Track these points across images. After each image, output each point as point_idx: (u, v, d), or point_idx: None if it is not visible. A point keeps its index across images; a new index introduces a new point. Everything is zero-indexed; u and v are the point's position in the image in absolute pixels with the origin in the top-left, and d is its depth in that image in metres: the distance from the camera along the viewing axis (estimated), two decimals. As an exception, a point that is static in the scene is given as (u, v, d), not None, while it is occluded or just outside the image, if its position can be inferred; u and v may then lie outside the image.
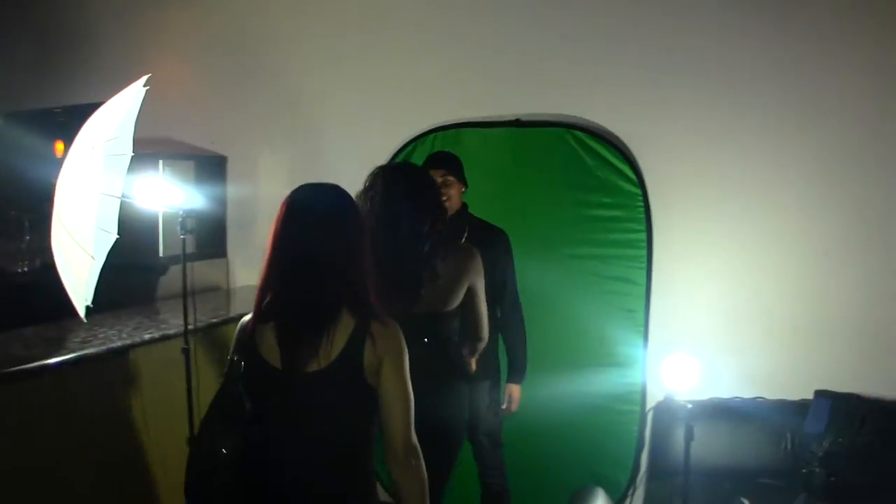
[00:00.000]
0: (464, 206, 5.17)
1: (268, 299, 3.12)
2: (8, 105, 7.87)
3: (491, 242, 5.03)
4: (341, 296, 3.04)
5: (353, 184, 6.11)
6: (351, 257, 3.08)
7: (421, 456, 3.08)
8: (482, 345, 4.56)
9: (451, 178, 5.05)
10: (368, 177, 4.34)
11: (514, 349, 5.31)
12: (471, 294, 4.33)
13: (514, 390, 5.31)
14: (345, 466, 3.11)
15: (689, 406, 4.73)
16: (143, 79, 4.16)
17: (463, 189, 5.14)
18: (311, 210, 3.15)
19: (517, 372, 5.31)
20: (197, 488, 3.21)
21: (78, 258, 3.90)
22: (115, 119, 4.02)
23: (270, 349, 3.02)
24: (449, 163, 5.13)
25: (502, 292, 5.16)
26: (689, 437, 4.72)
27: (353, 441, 3.11)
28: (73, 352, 4.37)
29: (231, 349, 3.24)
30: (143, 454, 4.78)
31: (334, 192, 3.24)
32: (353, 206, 3.23)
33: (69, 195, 4.01)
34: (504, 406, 5.28)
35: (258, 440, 3.11)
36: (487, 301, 4.48)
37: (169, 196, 4.58)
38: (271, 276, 3.11)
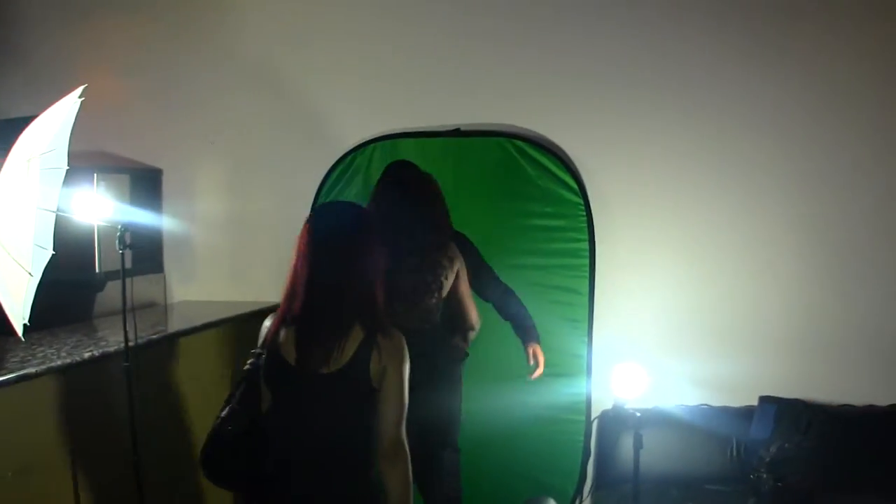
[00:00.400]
0: None
1: (291, 305, 3.53)
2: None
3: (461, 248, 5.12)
4: (354, 311, 3.46)
5: (297, 192, 6.06)
6: (365, 276, 3.49)
7: (408, 454, 3.46)
8: (474, 334, 5.06)
9: None
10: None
11: (520, 317, 5.39)
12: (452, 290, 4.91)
13: (538, 349, 5.34)
14: (345, 460, 3.49)
15: (638, 414, 4.72)
16: (79, 89, 4.05)
17: None
18: (332, 232, 3.54)
19: (532, 332, 5.37)
20: (211, 459, 3.60)
21: (15, 275, 3.79)
22: (51, 131, 3.92)
23: (289, 349, 3.48)
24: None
25: (487, 288, 5.31)
26: (638, 446, 4.74)
27: (353, 437, 3.48)
28: (12, 371, 4.24)
29: (259, 343, 3.67)
30: (84, 475, 4.65)
31: (353, 213, 3.75)
32: (370, 228, 3.62)
33: (5, 210, 3.91)
34: (532, 364, 5.31)
35: (268, 426, 3.56)
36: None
37: (104, 210, 4.47)
38: (295, 287, 3.51)
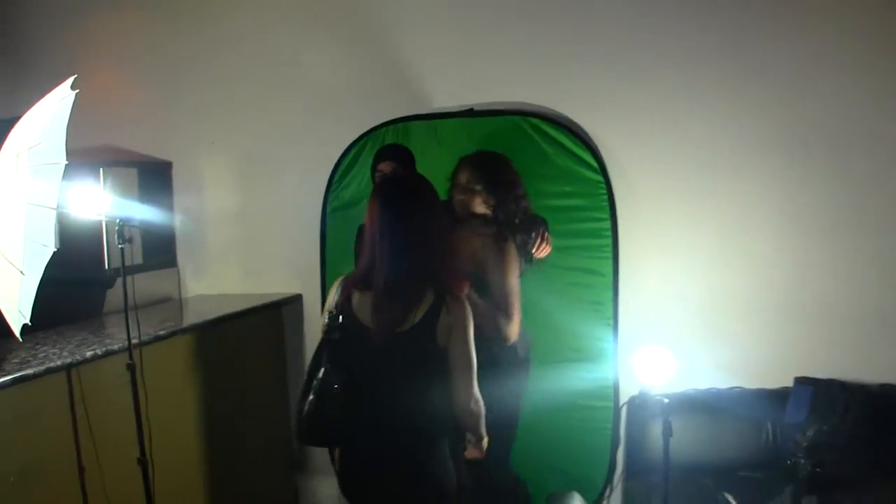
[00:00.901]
0: None
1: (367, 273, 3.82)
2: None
3: None
4: (427, 277, 3.78)
5: (308, 181, 5.90)
6: (434, 245, 3.84)
7: (482, 407, 3.86)
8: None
9: (399, 171, 5.10)
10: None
11: None
12: None
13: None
14: (417, 408, 3.79)
15: (666, 401, 4.53)
16: (69, 80, 3.87)
17: None
18: (402, 204, 3.86)
19: None
20: (309, 422, 3.81)
21: (7, 274, 3.64)
22: (40, 124, 3.76)
23: (363, 310, 3.80)
24: (398, 156, 5.23)
25: None
26: (667, 434, 4.53)
27: (423, 388, 3.79)
28: (10, 373, 4.10)
29: (329, 303, 3.95)
30: (90, 479, 4.51)
31: (420, 185, 4.01)
32: (435, 201, 3.97)
33: None
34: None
35: (340, 382, 3.78)
36: None
37: (104, 205, 4.30)
38: (371, 258, 3.80)
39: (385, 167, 5.17)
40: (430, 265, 3.80)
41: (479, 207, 4.99)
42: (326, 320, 3.88)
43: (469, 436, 4.04)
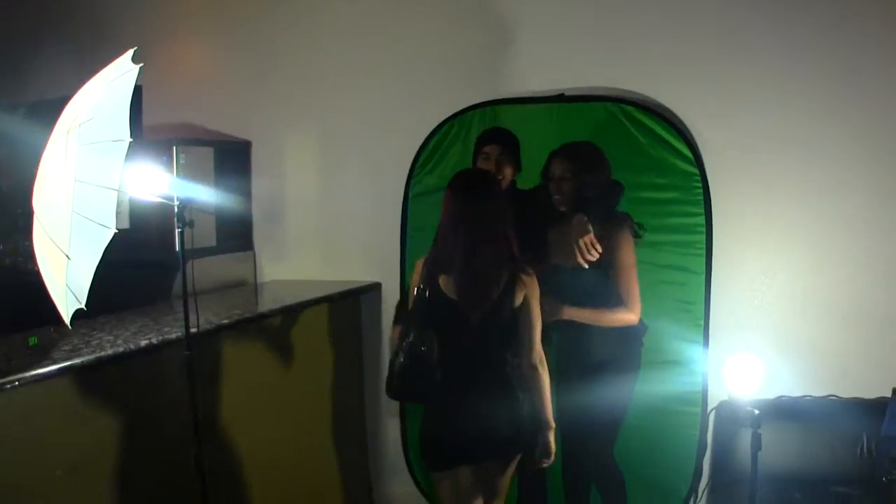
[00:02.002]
0: (512, 183, 5.29)
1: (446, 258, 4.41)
2: (33, 94, 7.47)
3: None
4: (499, 261, 4.36)
5: (391, 164, 5.71)
6: (502, 235, 4.38)
7: (545, 364, 4.47)
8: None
9: (506, 156, 5.16)
10: None
11: None
12: None
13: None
14: (495, 369, 4.47)
15: (756, 412, 4.29)
16: (129, 53, 3.68)
17: (517, 172, 5.26)
18: (476, 195, 4.42)
19: None
20: (400, 378, 4.41)
21: (55, 258, 3.49)
22: (92, 99, 3.58)
23: (448, 286, 4.38)
24: (507, 141, 5.25)
25: None
26: (756, 447, 4.35)
27: (500, 353, 4.47)
28: (57, 362, 3.92)
29: (414, 280, 4.53)
30: (139, 475, 4.35)
31: (488, 179, 4.66)
32: (501, 196, 4.56)
33: (44, 188, 3.60)
34: None
35: (428, 346, 4.36)
36: None
37: (169, 185, 4.12)
38: (451, 246, 4.36)
39: (491, 150, 5.15)
40: (502, 253, 4.37)
41: (574, 198, 4.90)
42: (415, 294, 4.47)
43: (540, 443, 4.51)
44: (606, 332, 4.86)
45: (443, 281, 4.41)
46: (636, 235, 4.92)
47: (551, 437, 4.49)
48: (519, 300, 4.35)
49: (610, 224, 4.80)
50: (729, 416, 5.42)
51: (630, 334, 4.94)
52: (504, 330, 4.41)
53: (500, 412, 4.43)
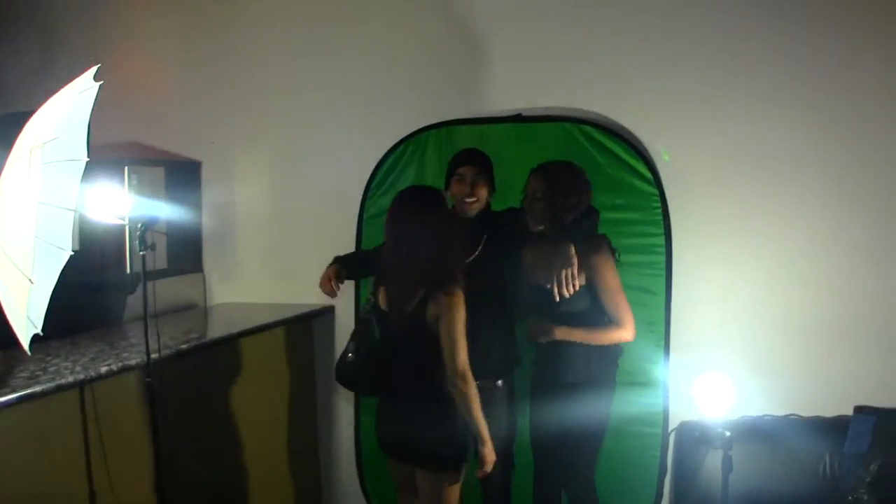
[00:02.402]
0: (487, 205, 5.15)
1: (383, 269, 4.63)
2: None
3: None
4: (420, 276, 4.35)
5: (345, 185, 5.67)
6: (426, 248, 4.35)
7: (469, 379, 4.32)
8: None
9: (481, 178, 5.03)
10: None
11: None
12: None
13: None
14: (419, 382, 4.52)
15: (727, 434, 4.26)
16: (92, 70, 3.60)
17: (492, 193, 5.11)
18: (406, 212, 4.46)
19: None
20: (342, 380, 4.85)
21: (16, 282, 3.40)
22: (56, 118, 3.50)
23: (382, 299, 4.56)
24: (481, 162, 5.10)
25: None
26: (727, 468, 4.40)
27: (421, 359, 4.44)
28: (17, 390, 3.83)
29: (369, 290, 4.77)
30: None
31: (428, 195, 4.58)
32: (437, 210, 4.48)
33: (5, 209, 3.52)
34: None
35: (356, 352, 4.70)
36: None
37: (130, 207, 4.04)
38: (384, 253, 4.54)
39: (465, 171, 5.00)
40: (422, 265, 4.34)
41: (552, 217, 4.84)
42: (365, 306, 4.76)
43: (480, 449, 4.48)
44: (584, 351, 4.80)
45: (381, 292, 4.59)
46: (616, 257, 4.90)
47: (486, 450, 4.44)
48: (431, 316, 4.31)
49: (589, 246, 4.75)
50: (698, 437, 5.41)
51: (606, 354, 4.89)
52: (425, 344, 4.37)
53: (427, 424, 4.51)
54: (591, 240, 4.82)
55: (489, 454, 4.44)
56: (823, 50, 5.44)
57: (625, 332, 4.79)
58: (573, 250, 4.61)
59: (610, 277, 4.76)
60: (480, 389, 4.46)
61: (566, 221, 4.77)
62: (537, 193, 4.79)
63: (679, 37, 5.67)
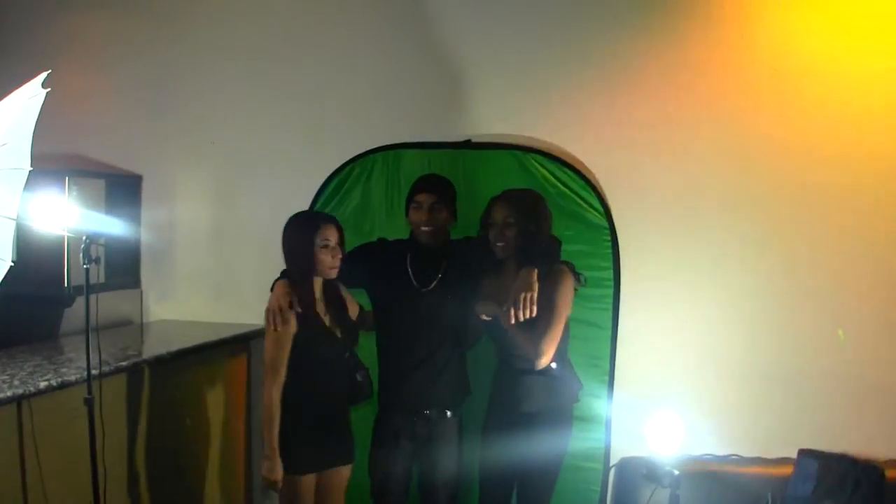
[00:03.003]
0: (446, 233, 5.03)
1: None
2: None
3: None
4: None
5: (288, 205, 5.61)
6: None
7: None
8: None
9: (439, 206, 4.87)
10: None
11: None
12: None
13: None
14: None
15: (676, 473, 4.22)
16: (42, 76, 3.50)
17: (452, 222, 4.99)
18: None
19: None
20: None
21: None
22: (3, 124, 3.38)
23: None
24: (442, 189, 4.98)
25: None
26: None
27: None
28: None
29: None
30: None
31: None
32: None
33: None
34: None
35: None
36: None
37: (71, 218, 3.94)
38: None
39: (423, 198, 4.86)
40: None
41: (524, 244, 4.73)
42: None
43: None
44: (545, 381, 4.71)
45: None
46: (578, 284, 4.81)
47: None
48: None
49: (553, 270, 4.67)
50: (645, 474, 5.28)
51: (567, 387, 4.82)
52: None
53: None
54: (555, 265, 4.74)
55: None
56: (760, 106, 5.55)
57: (541, 352, 4.57)
58: (535, 275, 4.53)
59: (565, 296, 4.65)
60: (430, 420, 4.56)
61: (535, 248, 4.69)
62: (509, 220, 4.68)
63: (637, 73, 5.69)
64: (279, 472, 4.50)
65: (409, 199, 4.97)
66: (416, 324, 4.86)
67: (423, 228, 4.83)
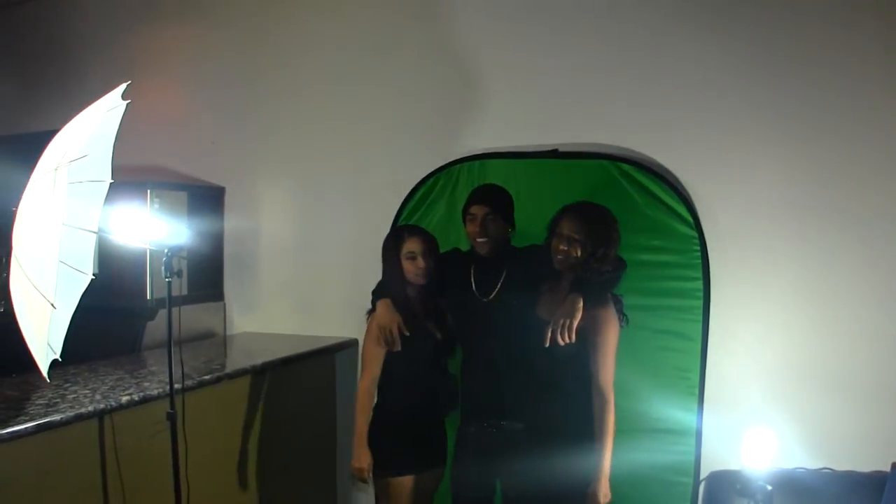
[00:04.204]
0: (507, 241, 4.93)
1: None
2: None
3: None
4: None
5: (373, 216, 5.53)
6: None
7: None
8: None
9: (493, 217, 4.77)
10: None
11: None
12: None
13: None
14: None
15: (769, 488, 4.12)
16: (121, 87, 3.48)
17: (510, 230, 4.89)
18: None
19: None
20: None
21: (37, 305, 3.27)
22: (83, 136, 3.38)
23: None
24: (495, 200, 4.88)
25: None
26: None
27: None
28: (34, 418, 3.68)
29: None
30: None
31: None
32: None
33: (27, 228, 3.38)
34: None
35: None
36: None
37: (154, 231, 3.90)
38: None
39: (476, 210, 4.79)
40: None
41: (583, 261, 4.57)
42: None
43: None
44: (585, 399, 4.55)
45: None
46: (623, 322, 4.67)
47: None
48: None
49: (600, 301, 4.54)
50: (738, 488, 5.17)
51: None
52: None
53: None
54: (605, 295, 4.60)
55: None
56: (867, 102, 5.26)
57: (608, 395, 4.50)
58: (580, 303, 4.41)
59: (610, 336, 4.52)
60: (503, 432, 4.58)
61: (592, 271, 4.54)
62: (574, 236, 4.53)
63: (724, 81, 5.49)
64: (365, 461, 4.62)
65: (465, 212, 4.91)
66: (481, 334, 4.83)
67: (478, 240, 4.78)
